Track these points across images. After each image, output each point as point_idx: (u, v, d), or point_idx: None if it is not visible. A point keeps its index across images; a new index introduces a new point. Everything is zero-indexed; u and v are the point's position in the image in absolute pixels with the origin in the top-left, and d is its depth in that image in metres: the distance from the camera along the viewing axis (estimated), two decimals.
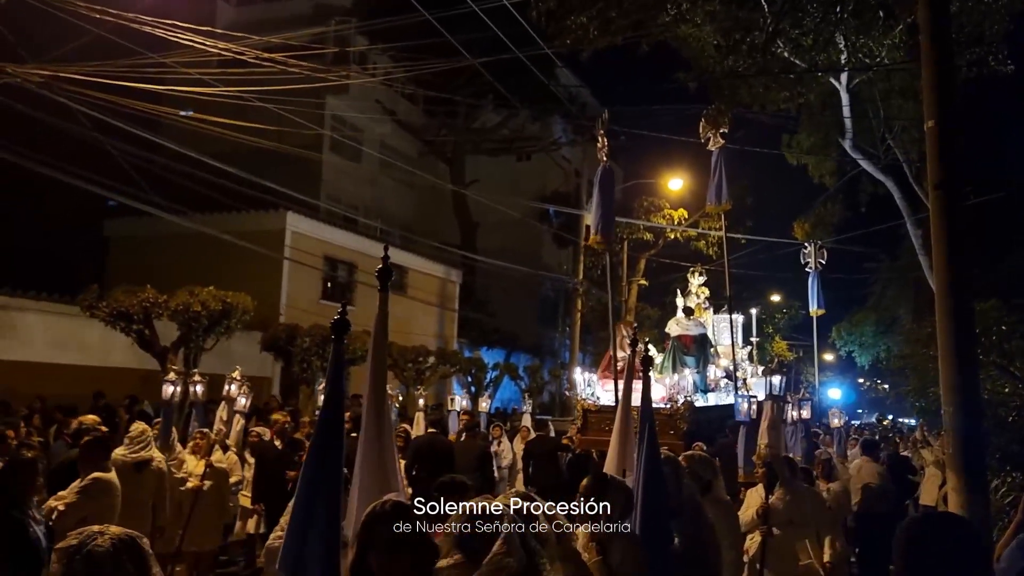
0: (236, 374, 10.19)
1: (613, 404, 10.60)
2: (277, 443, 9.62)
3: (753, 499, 6.61)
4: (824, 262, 15.16)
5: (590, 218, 24.90)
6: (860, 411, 42.10)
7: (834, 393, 33.98)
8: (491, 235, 28.44)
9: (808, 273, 15.21)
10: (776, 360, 10.81)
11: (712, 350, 12.76)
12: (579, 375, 11.91)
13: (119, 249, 21.33)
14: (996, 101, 17.39)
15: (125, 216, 18.71)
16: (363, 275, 22.42)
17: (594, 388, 11.53)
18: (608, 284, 9.73)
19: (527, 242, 30.35)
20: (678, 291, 14.12)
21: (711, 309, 14.12)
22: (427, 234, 26.36)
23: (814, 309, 14.78)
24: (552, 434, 14.01)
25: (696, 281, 14.01)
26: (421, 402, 13.59)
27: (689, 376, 11.18)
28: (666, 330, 12.95)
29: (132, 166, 14.10)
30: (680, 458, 5.24)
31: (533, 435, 13.21)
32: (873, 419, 31.26)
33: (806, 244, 15.08)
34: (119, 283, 13.11)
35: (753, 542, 6.39)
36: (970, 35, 10.24)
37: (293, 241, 20.01)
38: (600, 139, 9.70)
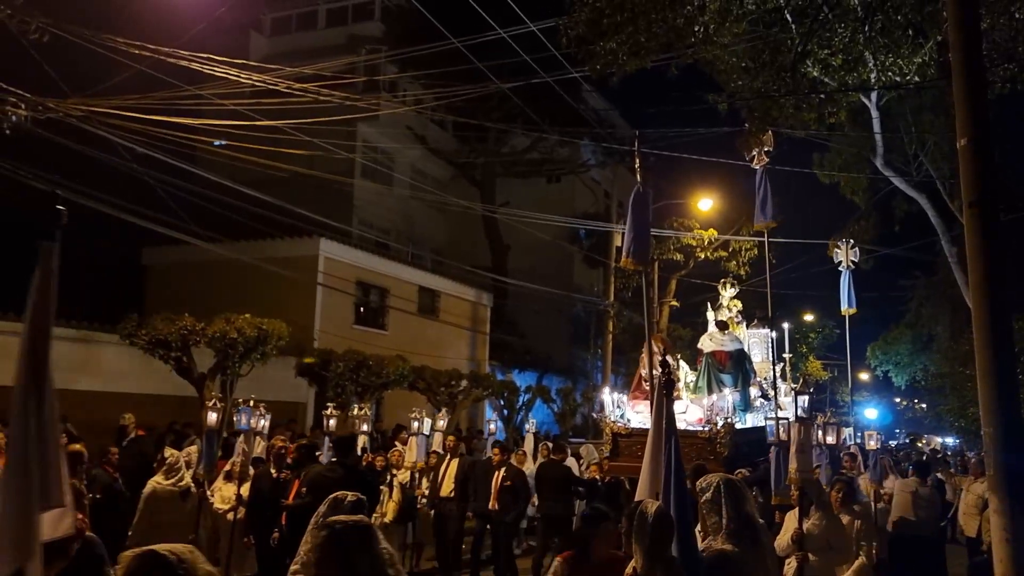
0: (251, 403, 10.29)
1: (645, 427, 10.37)
2: (273, 471, 9.00)
3: (790, 523, 6.56)
4: (856, 260, 14.72)
5: (623, 239, 24.97)
6: (897, 431, 41.48)
7: (870, 413, 33.54)
8: (522, 257, 28.51)
9: (840, 272, 14.77)
10: (803, 380, 10.39)
11: (750, 367, 12.07)
12: (607, 396, 11.20)
13: (157, 277, 21.69)
14: None
15: (163, 245, 19.04)
16: (395, 300, 22.59)
17: (624, 410, 10.93)
18: (644, 305, 9.58)
19: (558, 264, 30.36)
20: (708, 305, 13.41)
21: (744, 323, 13.40)
22: (458, 257, 26.51)
23: (845, 308, 14.33)
24: (583, 457, 13.57)
25: (728, 293, 13.34)
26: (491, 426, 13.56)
27: (729, 396, 10.59)
28: (699, 346, 12.31)
29: (169, 196, 14.38)
30: None
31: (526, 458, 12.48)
32: (906, 440, 30.73)
33: (839, 244, 14.70)
34: (157, 311, 13.33)
35: (790, 567, 6.32)
36: (1002, 51, 10.17)
37: (326, 267, 20.21)
38: (637, 161, 9.62)
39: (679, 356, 12.12)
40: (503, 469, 10.62)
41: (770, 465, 8.97)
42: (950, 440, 25.73)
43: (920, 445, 23.60)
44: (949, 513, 11.35)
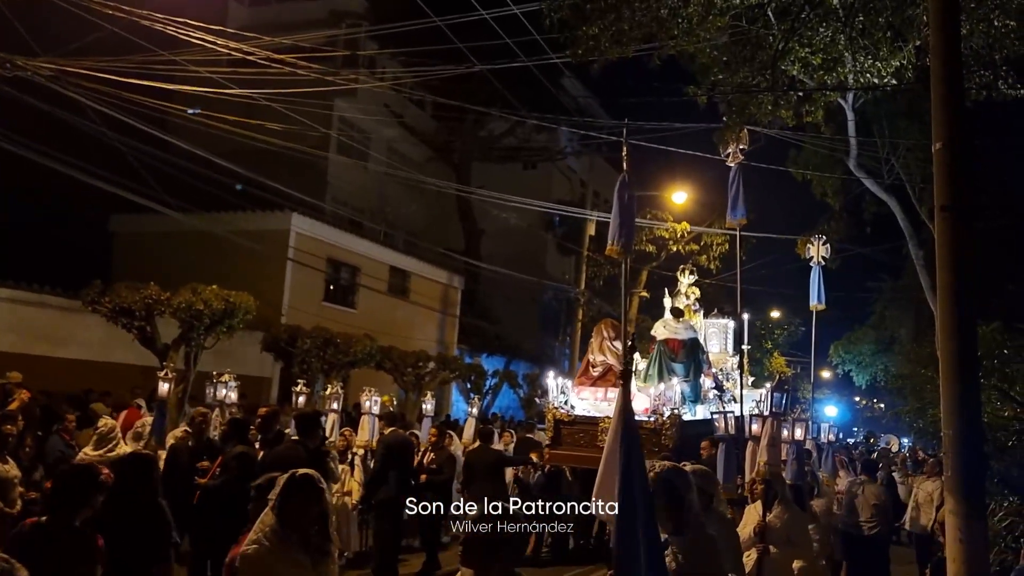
0: (226, 377, 10.13)
1: (590, 415, 9.93)
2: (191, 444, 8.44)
3: (751, 516, 6.61)
4: (827, 256, 14.75)
5: (597, 228, 25.01)
6: (855, 429, 42.10)
7: (830, 411, 33.97)
8: (496, 243, 28.48)
9: (810, 268, 14.75)
10: (779, 377, 10.31)
11: (703, 357, 11.60)
12: (551, 380, 10.47)
13: (124, 245, 21.38)
14: (1004, 125, 17.40)
15: (131, 212, 18.75)
16: (366, 278, 22.46)
17: (568, 396, 10.30)
18: (623, 295, 9.43)
19: (531, 251, 30.37)
20: (666, 291, 12.86)
21: (701, 312, 12.99)
22: (432, 240, 26.41)
23: (814, 304, 14.36)
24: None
25: (686, 280, 12.88)
26: (427, 407, 13.04)
27: (677, 386, 10.11)
28: (652, 333, 11.87)
29: (140, 162, 14.15)
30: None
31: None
32: (861, 437, 31.22)
33: (811, 240, 14.74)
34: (123, 279, 13.12)
35: (749, 559, 6.37)
36: (979, 59, 10.28)
37: (297, 242, 20.05)
38: (624, 149, 9.45)
39: (629, 342, 11.47)
40: (433, 452, 9.98)
41: (707, 458, 8.84)
42: (905, 440, 26.21)
43: (872, 443, 23.92)
44: (904, 514, 11.46)
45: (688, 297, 12.72)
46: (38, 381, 12.26)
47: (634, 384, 10.28)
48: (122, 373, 13.99)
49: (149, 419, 9.70)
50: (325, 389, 11.76)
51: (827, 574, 8.19)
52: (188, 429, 8.63)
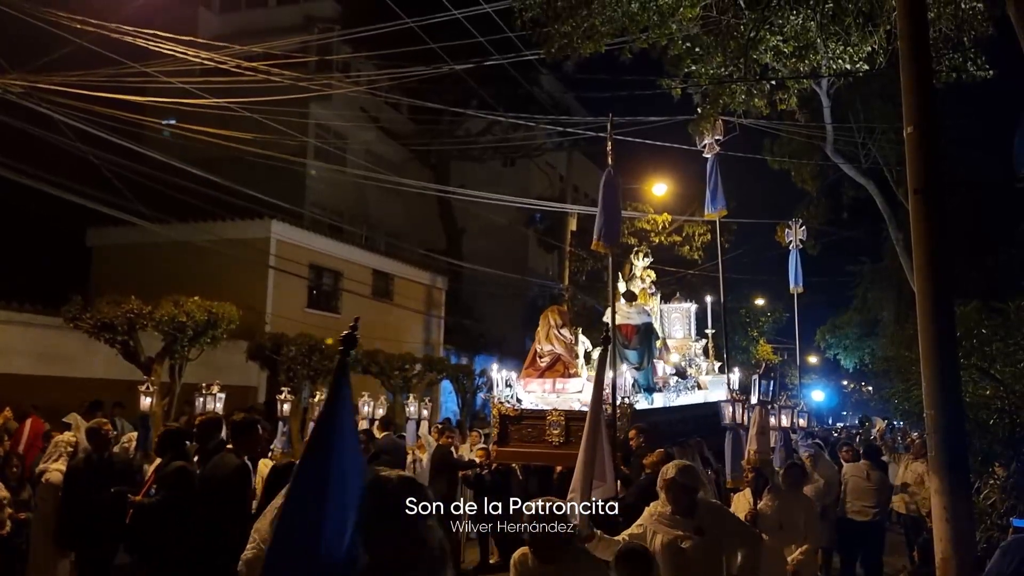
0: (215, 389, 10.10)
1: (538, 408, 9.36)
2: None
3: (741, 504, 6.66)
4: (804, 239, 14.80)
5: (577, 222, 25.00)
6: (844, 413, 42.39)
7: (817, 395, 34.19)
8: (477, 241, 28.45)
9: (790, 252, 14.76)
10: (764, 365, 10.17)
11: (659, 343, 11.09)
12: (496, 373, 9.90)
13: (103, 259, 21.20)
14: (978, 104, 17.56)
15: (109, 226, 18.62)
16: (349, 283, 22.39)
17: (514, 389, 9.68)
18: (610, 289, 9.23)
19: (513, 248, 30.36)
20: (619, 275, 11.97)
21: (658, 295, 12.58)
22: (413, 241, 26.35)
23: (794, 287, 14.40)
24: None
25: (640, 263, 12.46)
26: (411, 410, 13.02)
27: (628, 374, 9.55)
28: (603, 319, 11.27)
29: (115, 175, 14.04)
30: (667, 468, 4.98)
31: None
32: (856, 422, 31.43)
33: (789, 224, 14.82)
34: (103, 293, 13.03)
35: None
36: (948, 41, 10.35)
37: (278, 249, 19.95)
38: (609, 144, 9.31)
39: (579, 329, 10.69)
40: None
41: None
42: (896, 423, 26.41)
43: (867, 426, 24.10)
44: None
45: (643, 280, 12.23)
46: (23, 400, 12.17)
47: (584, 373, 9.82)
48: (107, 388, 13.89)
49: (134, 435, 9.65)
50: (313, 396, 11.73)
51: (819, 559, 8.23)
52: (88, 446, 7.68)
